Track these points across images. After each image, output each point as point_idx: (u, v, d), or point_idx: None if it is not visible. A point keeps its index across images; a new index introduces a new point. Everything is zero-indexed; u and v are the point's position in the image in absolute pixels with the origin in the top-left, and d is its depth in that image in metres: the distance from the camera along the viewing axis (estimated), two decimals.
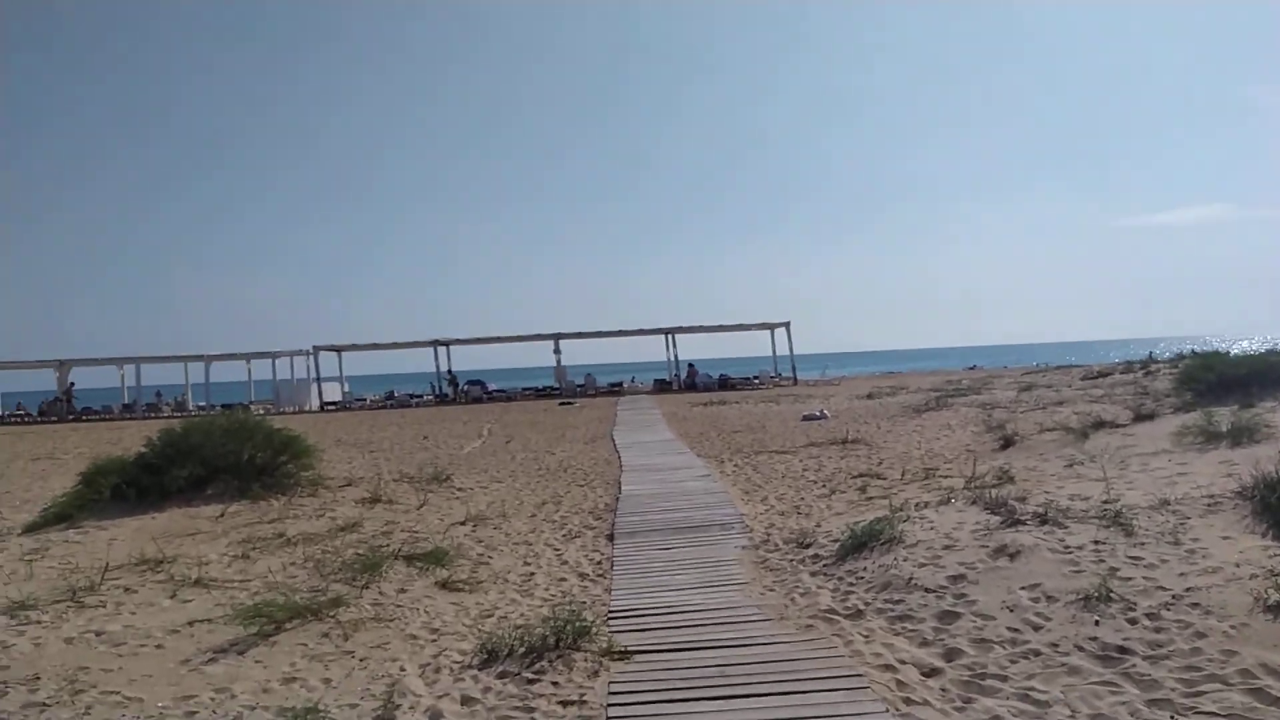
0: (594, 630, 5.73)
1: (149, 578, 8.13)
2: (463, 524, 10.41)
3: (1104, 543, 6.37)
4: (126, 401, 43.99)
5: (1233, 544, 6.04)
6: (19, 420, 41.94)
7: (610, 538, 9.31)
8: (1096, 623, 5.16)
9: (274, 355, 45.74)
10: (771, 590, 6.85)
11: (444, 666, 5.59)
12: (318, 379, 43.81)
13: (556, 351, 43.97)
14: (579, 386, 42.78)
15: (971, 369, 51.21)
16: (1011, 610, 5.54)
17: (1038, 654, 4.94)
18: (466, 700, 5.01)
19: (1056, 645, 4.99)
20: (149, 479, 12.14)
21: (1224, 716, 4.08)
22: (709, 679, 4.96)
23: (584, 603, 6.83)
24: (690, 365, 44.10)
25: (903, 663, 5.10)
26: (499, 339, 47.22)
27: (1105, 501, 7.73)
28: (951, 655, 5.11)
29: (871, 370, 62.57)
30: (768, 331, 45.98)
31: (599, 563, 8.33)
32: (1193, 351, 28.48)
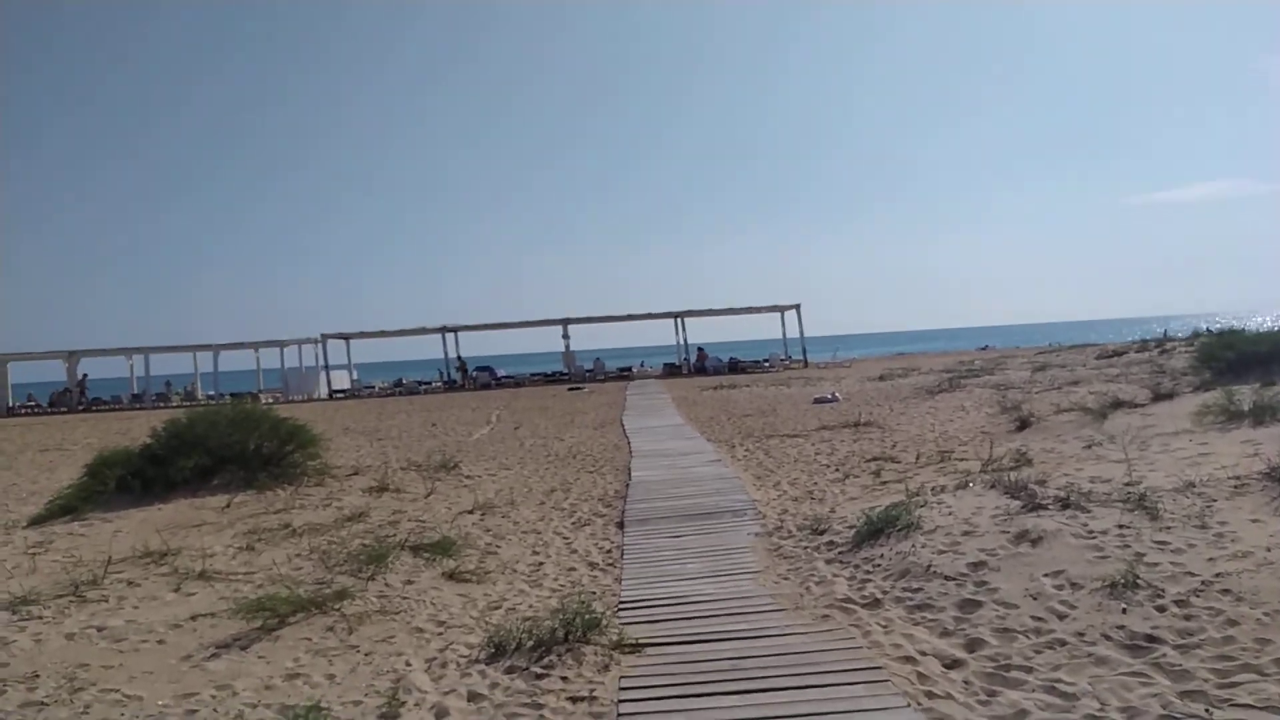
0: (604, 622, 5.57)
1: (152, 571, 8.02)
2: (470, 513, 10.27)
3: (1128, 527, 6.19)
4: (135, 392, 44.02)
5: (1262, 527, 5.85)
6: (30, 411, 42.05)
7: (620, 525, 9.16)
8: (1124, 611, 4.99)
9: (282, 344, 45.65)
10: (786, 579, 6.69)
11: (450, 661, 5.45)
12: (326, 367, 43.74)
13: (565, 336, 43.83)
14: (588, 371, 42.65)
15: (983, 349, 50.86)
16: (1035, 598, 5.36)
17: (1063, 644, 4.76)
18: (473, 696, 4.86)
19: (1083, 635, 4.82)
20: (154, 470, 12.04)
21: (1260, 708, 3.90)
22: (722, 672, 4.80)
23: (594, 593, 6.68)
24: (700, 349, 43.89)
25: (923, 654, 4.92)
26: (507, 325, 47.11)
27: (1127, 484, 7.54)
28: (974, 646, 4.94)
29: (882, 352, 62.24)
30: (777, 314, 45.69)
31: (609, 551, 8.17)
32: (1208, 329, 28.21)
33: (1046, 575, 5.63)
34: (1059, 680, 4.39)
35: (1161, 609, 4.93)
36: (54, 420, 34.62)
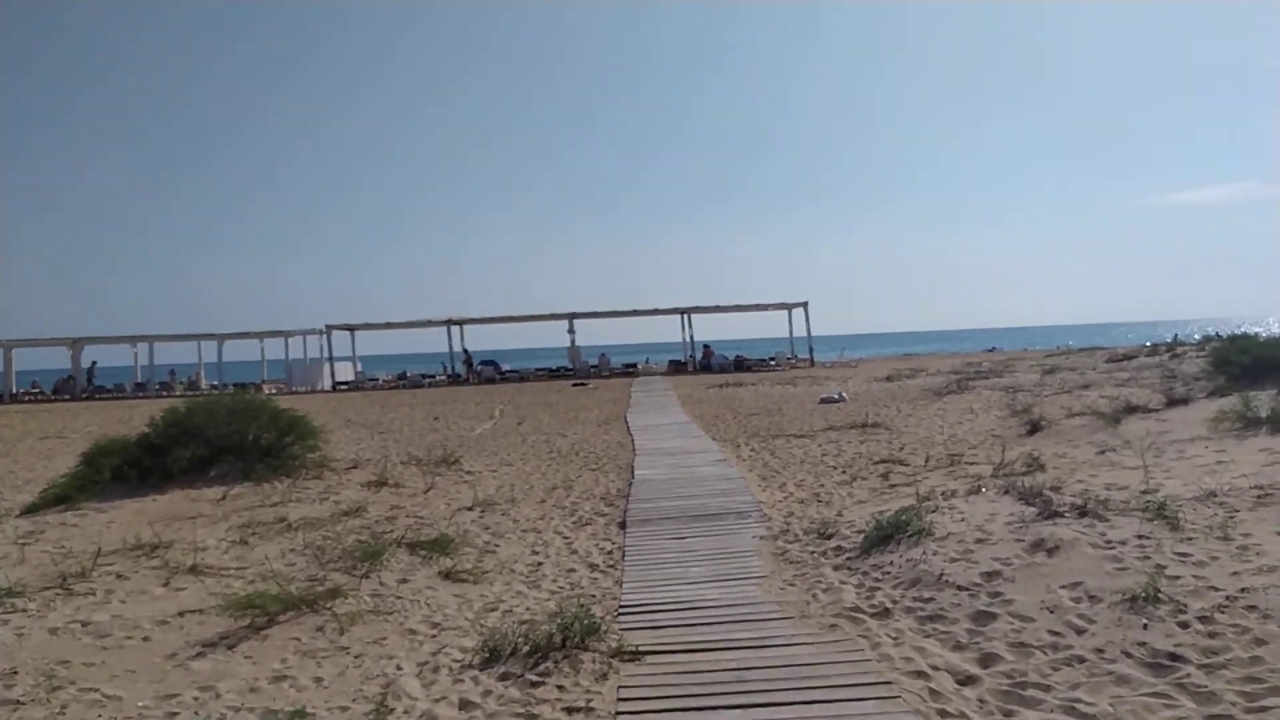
0: (603, 628, 5.37)
1: (143, 564, 7.85)
2: (470, 509, 10.08)
3: (1148, 537, 5.96)
4: (139, 380, 43.95)
5: None
6: (33, 398, 42.01)
7: (622, 525, 8.96)
8: (1145, 626, 4.76)
9: (287, 334, 45.53)
10: (792, 585, 6.48)
11: (443, 665, 5.25)
12: (330, 358, 43.60)
13: (571, 332, 43.62)
14: (593, 367, 42.44)
15: (991, 351, 50.57)
16: (1052, 611, 5.14)
17: (1082, 660, 4.54)
18: (465, 705, 4.67)
19: (1102, 651, 4.60)
20: (151, 460, 11.89)
21: None
22: (726, 684, 4.60)
23: (593, 596, 6.48)
24: (706, 346, 43.64)
25: (936, 669, 4.71)
26: (513, 319, 46.97)
27: (1144, 491, 7.31)
28: (988, 661, 4.72)
29: (889, 352, 61.97)
30: (784, 312, 45.45)
31: (610, 552, 7.97)
32: (1217, 334, 27.89)
33: (1064, 587, 5.41)
34: (1078, 700, 4.17)
35: (1184, 625, 4.71)
36: (56, 407, 34.56)
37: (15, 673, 5.30)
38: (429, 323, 45.37)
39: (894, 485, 10.06)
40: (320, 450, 13.30)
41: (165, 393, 40.12)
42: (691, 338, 43.99)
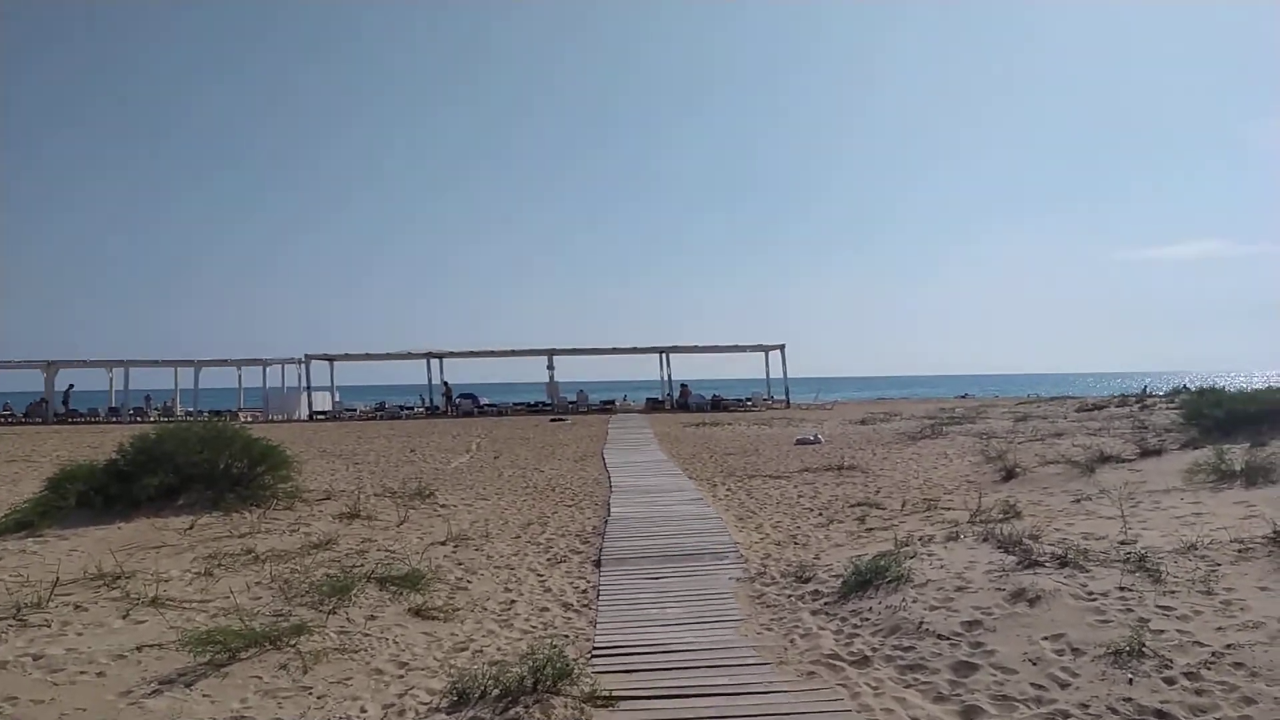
0: (576, 671, 5.22)
1: (102, 594, 7.60)
2: (443, 544, 9.90)
3: (1130, 590, 5.90)
4: (113, 405, 43.26)
5: (1273, 597, 5.56)
6: (3, 421, 41.22)
7: (597, 564, 8.81)
8: (1130, 681, 4.68)
9: (265, 362, 45.03)
10: (769, 629, 6.36)
11: (408, 709, 5.08)
12: (308, 388, 43.15)
13: (550, 367, 43.50)
14: (571, 403, 42.25)
15: (963, 397, 50.78)
16: (1034, 664, 5.05)
17: (1067, 716, 4.44)
18: None
19: (1087, 707, 4.50)
20: (118, 487, 11.62)
21: None
22: None
23: (566, 636, 6.34)
24: (683, 385, 43.62)
25: None
26: (493, 353, 46.70)
27: (1123, 542, 7.28)
28: (971, 714, 4.62)
29: (863, 395, 62.13)
30: (761, 354, 45.55)
31: (584, 591, 7.83)
32: (1185, 386, 28.21)
33: (1046, 638, 5.33)
34: None
35: (1170, 681, 4.63)
36: (27, 431, 33.87)
37: None
38: (409, 355, 45.07)
39: (871, 529, 9.98)
40: (293, 480, 13.06)
41: (140, 418, 39.48)
42: (669, 376, 44.05)
